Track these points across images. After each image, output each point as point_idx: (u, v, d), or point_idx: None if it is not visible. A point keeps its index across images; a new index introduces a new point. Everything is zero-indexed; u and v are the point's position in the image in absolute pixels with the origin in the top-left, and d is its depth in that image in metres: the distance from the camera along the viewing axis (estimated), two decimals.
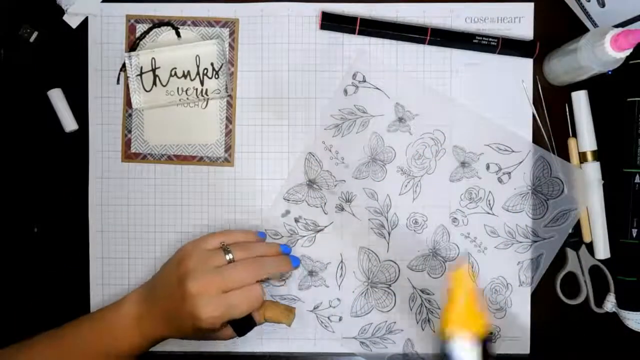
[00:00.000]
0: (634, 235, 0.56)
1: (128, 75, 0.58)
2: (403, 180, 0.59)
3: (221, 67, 0.58)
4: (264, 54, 0.59)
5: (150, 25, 0.59)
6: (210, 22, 0.59)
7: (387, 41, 0.59)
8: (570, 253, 0.58)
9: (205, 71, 0.58)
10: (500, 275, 0.58)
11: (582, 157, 0.58)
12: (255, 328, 0.54)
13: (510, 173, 0.58)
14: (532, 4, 0.58)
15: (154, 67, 0.58)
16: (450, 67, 0.59)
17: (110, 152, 0.59)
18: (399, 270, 0.59)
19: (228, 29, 0.59)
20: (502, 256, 0.58)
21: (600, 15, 0.55)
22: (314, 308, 0.59)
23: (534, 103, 0.58)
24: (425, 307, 0.59)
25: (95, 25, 0.59)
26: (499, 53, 0.58)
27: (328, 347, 0.59)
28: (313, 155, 0.59)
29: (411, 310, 0.59)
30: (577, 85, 0.57)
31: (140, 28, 0.59)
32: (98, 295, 0.59)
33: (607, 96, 0.57)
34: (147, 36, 0.59)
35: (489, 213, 0.58)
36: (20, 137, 0.59)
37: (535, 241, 0.58)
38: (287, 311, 0.55)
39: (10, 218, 0.59)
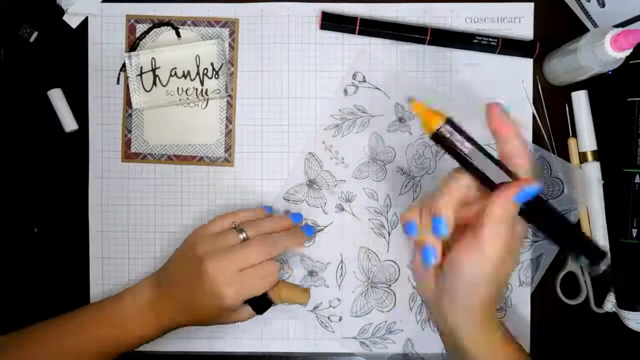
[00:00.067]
0: (634, 235, 0.56)
1: (128, 75, 0.58)
2: (403, 180, 0.59)
3: (221, 67, 0.58)
4: (264, 54, 0.59)
5: (150, 25, 0.59)
6: (210, 22, 0.59)
7: (387, 41, 0.59)
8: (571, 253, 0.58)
9: (205, 71, 0.58)
10: None
11: (582, 157, 0.58)
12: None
13: None
14: (532, 4, 0.58)
15: (154, 67, 0.58)
16: (450, 67, 0.59)
17: (110, 152, 0.59)
18: (399, 270, 0.59)
19: (228, 29, 0.59)
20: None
21: (600, 15, 0.55)
22: (314, 308, 0.59)
23: (534, 103, 0.58)
24: (425, 307, 0.59)
25: (95, 25, 0.59)
26: (499, 53, 0.58)
27: (328, 347, 0.59)
28: (313, 155, 0.59)
29: (411, 310, 0.59)
30: (577, 85, 0.57)
31: (140, 28, 0.59)
32: (98, 296, 0.59)
33: (607, 96, 0.57)
34: (147, 36, 0.59)
35: None
36: (20, 137, 0.59)
37: (535, 241, 0.58)
38: (303, 291, 0.55)
39: (10, 218, 0.59)
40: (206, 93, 0.58)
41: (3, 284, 0.59)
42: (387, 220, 0.59)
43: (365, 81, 0.59)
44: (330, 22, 0.57)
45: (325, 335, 0.59)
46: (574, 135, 0.58)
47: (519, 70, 0.58)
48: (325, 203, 0.59)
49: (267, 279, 0.50)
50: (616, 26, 0.52)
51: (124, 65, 0.59)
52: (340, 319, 0.59)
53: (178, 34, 0.59)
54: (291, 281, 0.58)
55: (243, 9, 0.59)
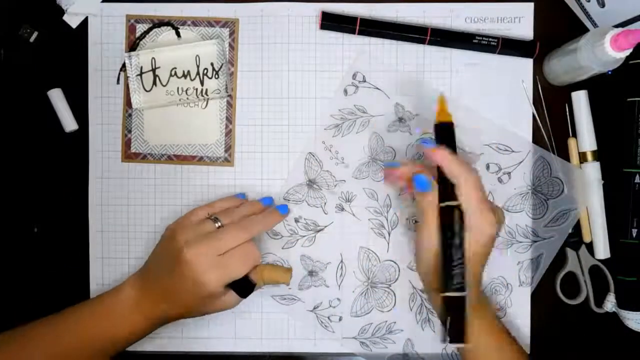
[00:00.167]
0: (634, 235, 0.56)
1: (128, 75, 0.58)
2: None
3: (221, 67, 0.58)
4: (264, 54, 0.59)
5: (150, 25, 0.59)
6: (210, 22, 0.59)
7: (387, 41, 0.59)
8: (570, 253, 0.58)
9: (205, 71, 0.58)
10: (500, 275, 0.58)
11: (582, 157, 0.58)
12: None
13: (510, 173, 0.58)
14: (532, 4, 0.58)
15: (154, 67, 0.58)
16: (450, 67, 0.59)
17: (110, 152, 0.59)
18: (399, 270, 0.59)
19: (228, 29, 0.59)
20: (502, 256, 0.58)
21: (600, 15, 0.55)
22: (314, 308, 0.59)
23: (534, 103, 0.58)
24: (425, 307, 0.59)
25: (95, 25, 0.59)
26: (499, 53, 0.58)
27: (328, 347, 0.59)
28: (313, 155, 0.59)
29: (411, 310, 0.59)
30: (577, 85, 0.57)
31: (140, 28, 0.59)
32: None
33: (607, 96, 0.57)
34: (147, 36, 0.59)
35: None
36: (20, 137, 0.59)
37: (535, 241, 0.58)
38: (285, 270, 0.55)
39: (10, 218, 0.59)
40: (206, 93, 0.58)
41: (3, 284, 0.59)
42: (387, 220, 0.59)
43: (365, 81, 0.59)
44: (330, 22, 0.57)
45: (325, 335, 0.59)
46: (574, 135, 0.58)
47: (519, 70, 0.58)
48: (325, 203, 0.59)
49: (247, 260, 0.51)
50: (616, 26, 0.52)
51: (124, 65, 0.59)
52: (340, 319, 0.59)
53: (178, 34, 0.59)
54: (291, 281, 0.58)
55: (243, 9, 0.59)
